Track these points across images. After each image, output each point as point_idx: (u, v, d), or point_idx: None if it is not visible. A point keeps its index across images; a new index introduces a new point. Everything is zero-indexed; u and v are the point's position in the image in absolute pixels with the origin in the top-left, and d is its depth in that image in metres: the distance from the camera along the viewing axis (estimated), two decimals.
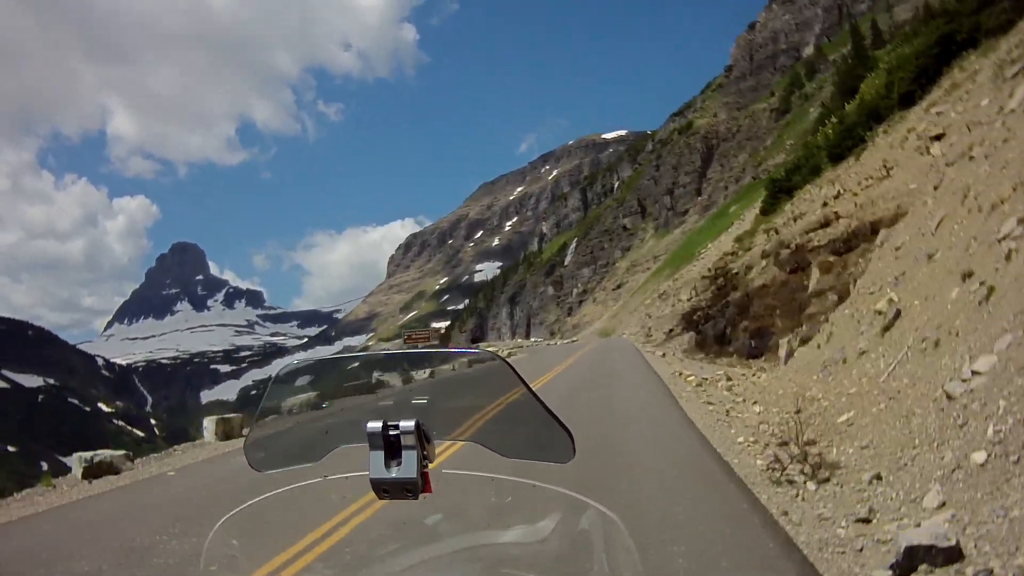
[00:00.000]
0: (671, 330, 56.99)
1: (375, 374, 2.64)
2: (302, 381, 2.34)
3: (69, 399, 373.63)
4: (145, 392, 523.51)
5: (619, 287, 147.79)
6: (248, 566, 2.13)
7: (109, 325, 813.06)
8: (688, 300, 62.88)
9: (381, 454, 1.81)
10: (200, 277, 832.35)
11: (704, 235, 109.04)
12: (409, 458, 1.80)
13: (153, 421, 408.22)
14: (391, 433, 1.80)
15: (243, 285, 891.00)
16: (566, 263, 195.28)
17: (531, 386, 1.85)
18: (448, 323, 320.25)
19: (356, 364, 2.39)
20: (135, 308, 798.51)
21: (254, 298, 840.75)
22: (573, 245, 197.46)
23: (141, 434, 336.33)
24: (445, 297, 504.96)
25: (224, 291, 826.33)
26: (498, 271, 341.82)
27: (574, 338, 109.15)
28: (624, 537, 1.81)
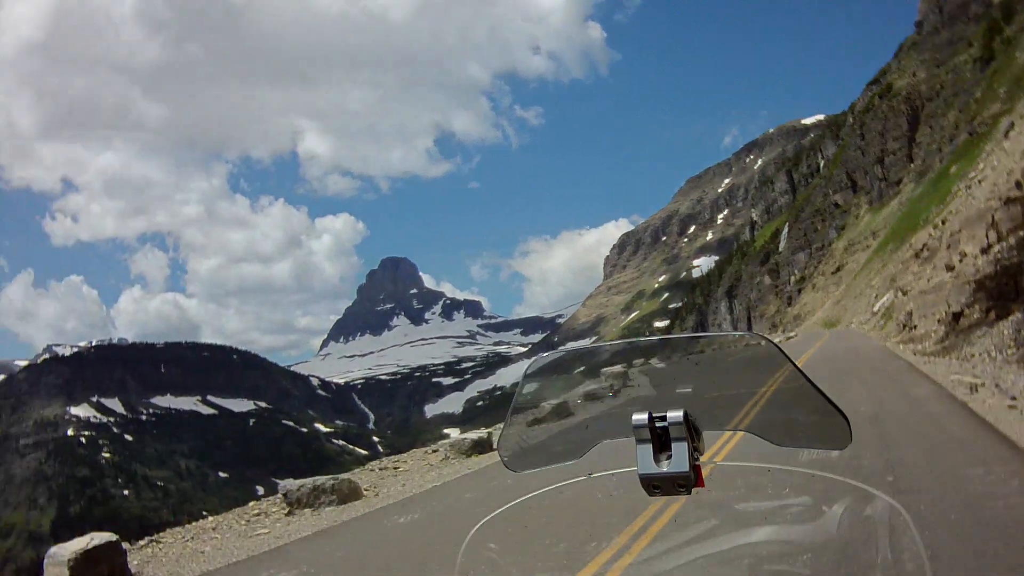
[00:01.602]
0: (959, 314, 31.23)
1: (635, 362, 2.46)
2: (554, 375, 2.23)
3: (283, 421, 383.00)
4: (366, 409, 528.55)
5: (838, 270, 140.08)
6: (509, 570, 2.04)
7: (324, 344, 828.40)
8: (992, 248, 31.01)
9: (649, 447, 1.70)
10: (415, 291, 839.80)
11: (928, 200, 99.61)
12: (679, 451, 1.68)
13: (376, 438, 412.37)
14: (658, 425, 1.70)
15: (461, 296, 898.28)
16: (780, 249, 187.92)
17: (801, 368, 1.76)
18: (667, 322, 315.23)
19: (611, 354, 2.25)
20: (350, 326, 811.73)
21: (473, 308, 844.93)
22: (785, 230, 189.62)
23: (364, 452, 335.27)
24: (665, 295, 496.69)
25: (441, 303, 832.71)
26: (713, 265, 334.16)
27: (792, 333, 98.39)
28: (911, 530, 1.66)
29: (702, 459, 1.77)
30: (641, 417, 1.70)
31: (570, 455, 1.94)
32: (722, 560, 2.06)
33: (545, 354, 2.19)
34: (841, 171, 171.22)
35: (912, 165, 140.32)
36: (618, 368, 2.43)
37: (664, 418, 1.69)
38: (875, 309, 71.12)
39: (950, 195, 74.27)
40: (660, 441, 1.70)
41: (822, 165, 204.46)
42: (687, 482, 1.68)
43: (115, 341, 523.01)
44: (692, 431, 1.71)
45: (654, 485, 1.70)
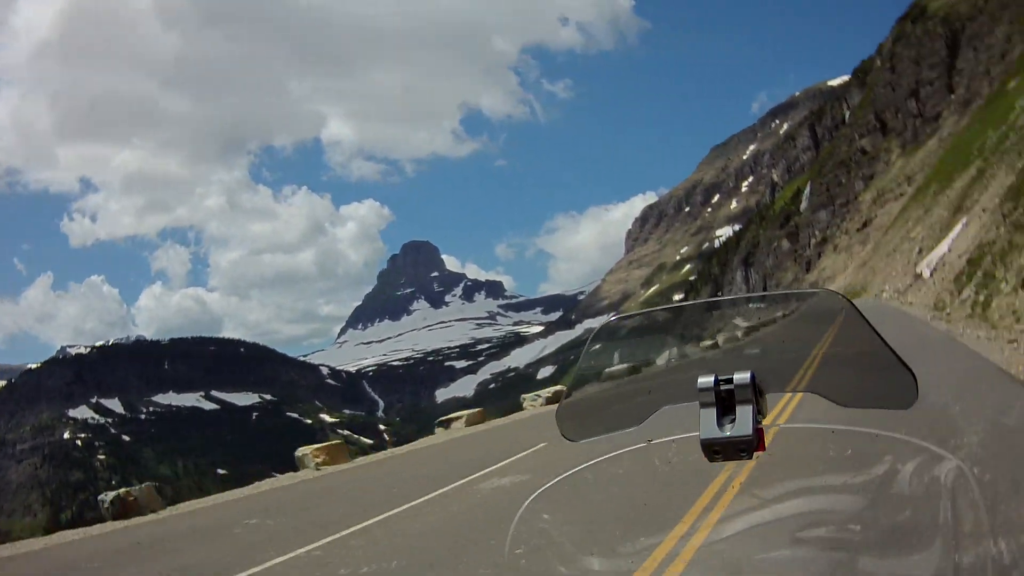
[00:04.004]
0: None
1: (711, 322, 2.45)
2: (620, 339, 2.19)
3: (288, 413, 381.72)
4: (376, 397, 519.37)
5: (865, 225, 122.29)
6: (562, 540, 2.01)
7: (343, 332, 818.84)
8: None
9: (713, 411, 1.66)
10: (435, 274, 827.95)
11: (983, 125, 79.82)
12: (744, 414, 1.64)
13: (383, 427, 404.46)
14: (723, 388, 1.66)
15: (486, 277, 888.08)
16: (801, 210, 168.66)
17: (872, 325, 1.74)
18: (682, 295, 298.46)
19: (680, 314, 2.23)
20: (369, 312, 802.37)
21: (494, 289, 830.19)
22: (807, 188, 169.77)
23: (370, 442, 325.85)
24: (687, 267, 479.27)
25: (462, 285, 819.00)
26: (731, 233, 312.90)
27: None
28: (971, 488, 1.66)
29: (764, 422, 1.74)
30: (707, 380, 1.67)
31: (630, 422, 1.92)
32: (784, 526, 2.04)
33: (612, 317, 2.16)
34: (869, 112, 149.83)
35: (953, 96, 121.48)
36: (685, 330, 2.39)
37: (730, 380, 1.67)
38: (919, 270, 51.85)
39: (1012, 111, 59.89)
40: (724, 405, 1.68)
41: (847, 115, 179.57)
42: (749, 446, 1.64)
43: (133, 339, 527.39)
44: (757, 393, 1.68)
45: (715, 450, 1.67)
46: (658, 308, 2.34)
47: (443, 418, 28.05)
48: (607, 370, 2.22)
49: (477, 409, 29.47)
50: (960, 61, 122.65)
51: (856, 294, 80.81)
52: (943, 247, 47.90)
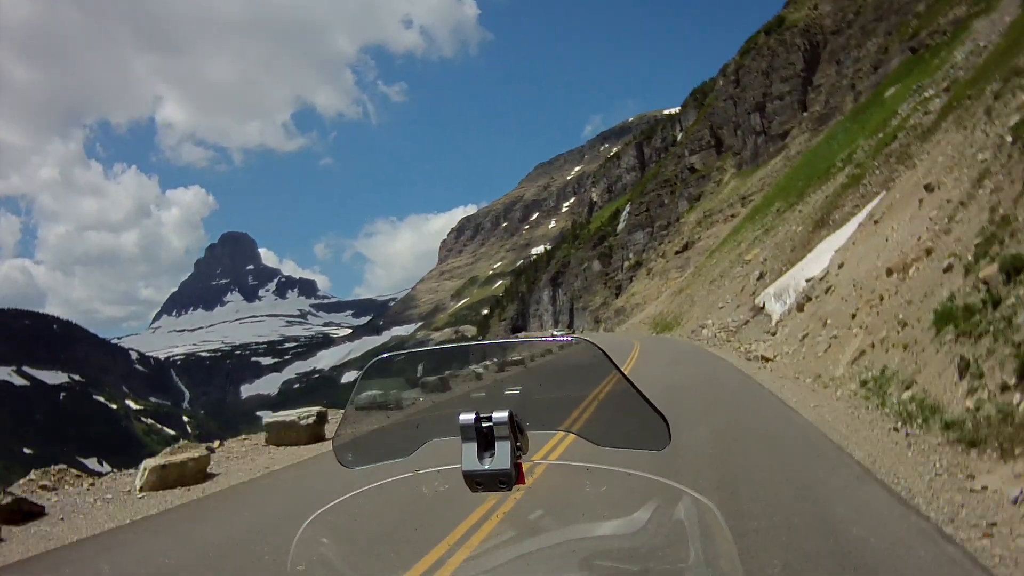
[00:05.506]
0: None
1: (471, 366, 2.61)
2: (391, 375, 2.32)
3: (95, 396, 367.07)
4: (183, 387, 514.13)
5: (686, 248, 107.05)
6: (341, 564, 2.09)
7: (157, 317, 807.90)
8: None
9: (474, 446, 1.78)
10: (251, 267, 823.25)
11: (848, 137, 68.94)
12: (502, 449, 1.76)
13: (187, 419, 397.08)
14: (484, 425, 1.78)
15: (301, 275, 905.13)
16: (618, 231, 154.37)
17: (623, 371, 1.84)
18: (486, 311, 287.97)
19: (449, 355, 2.43)
20: (185, 300, 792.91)
21: (307, 287, 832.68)
22: (627, 208, 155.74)
23: (172, 432, 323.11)
24: (499, 283, 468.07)
25: (276, 280, 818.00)
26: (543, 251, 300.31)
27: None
28: (720, 525, 1.77)
29: (532, 458, 1.86)
30: (468, 417, 1.78)
31: (400, 453, 2.03)
32: (543, 556, 2.11)
33: (385, 355, 2.25)
34: (703, 128, 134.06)
35: (806, 113, 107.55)
36: (452, 370, 2.62)
37: (490, 418, 1.77)
38: (760, 302, 38.89)
39: (895, 117, 53.16)
40: (485, 440, 1.78)
41: (679, 136, 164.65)
42: (508, 479, 1.76)
43: None
44: (516, 431, 1.78)
45: (476, 482, 1.78)
46: (425, 349, 2.44)
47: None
48: (379, 403, 2.30)
49: (196, 454, 14.28)
50: (819, 76, 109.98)
51: (667, 327, 68.09)
52: (818, 265, 31.69)
